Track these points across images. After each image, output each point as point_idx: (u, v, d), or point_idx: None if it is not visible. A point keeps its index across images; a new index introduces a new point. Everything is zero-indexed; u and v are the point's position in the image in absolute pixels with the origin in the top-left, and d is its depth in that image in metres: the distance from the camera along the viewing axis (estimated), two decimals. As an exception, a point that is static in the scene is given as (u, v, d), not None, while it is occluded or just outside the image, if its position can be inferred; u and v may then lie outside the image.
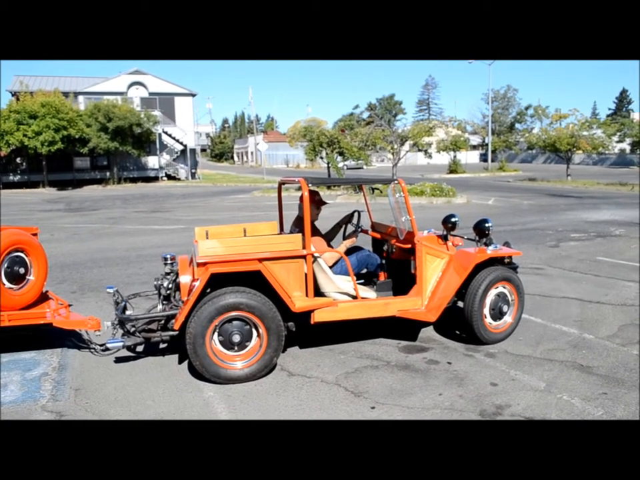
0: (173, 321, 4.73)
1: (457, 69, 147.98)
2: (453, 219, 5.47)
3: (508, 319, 5.41)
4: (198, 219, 16.57)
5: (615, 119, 59.51)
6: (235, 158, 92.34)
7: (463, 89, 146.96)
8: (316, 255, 4.93)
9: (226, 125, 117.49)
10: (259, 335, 4.63)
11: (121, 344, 4.74)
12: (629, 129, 36.77)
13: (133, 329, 4.82)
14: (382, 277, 5.58)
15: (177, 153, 42.08)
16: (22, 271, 5.27)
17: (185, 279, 5.07)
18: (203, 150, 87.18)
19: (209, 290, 4.60)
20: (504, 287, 5.34)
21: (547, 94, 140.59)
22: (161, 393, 4.34)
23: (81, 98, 38.83)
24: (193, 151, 44.08)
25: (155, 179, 40.34)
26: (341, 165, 28.03)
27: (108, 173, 38.17)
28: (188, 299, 4.52)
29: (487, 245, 5.45)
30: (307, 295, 4.81)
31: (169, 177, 41.37)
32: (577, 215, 15.79)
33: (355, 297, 5.10)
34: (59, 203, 23.72)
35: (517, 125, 63.79)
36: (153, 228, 14.61)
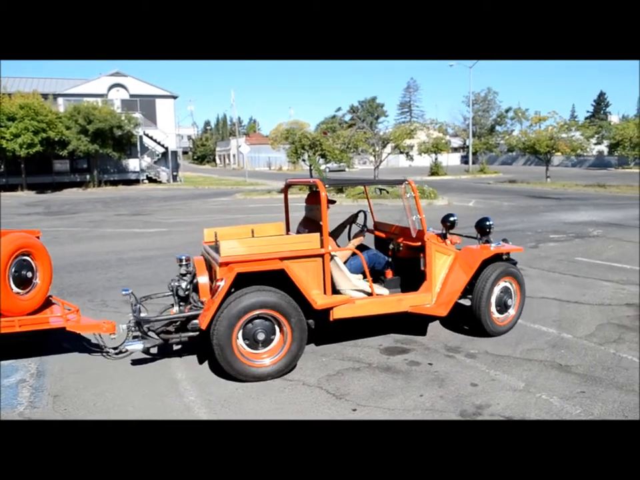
0: (195, 321, 4.79)
1: (437, 72, 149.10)
2: (452, 218, 5.73)
3: (512, 311, 5.71)
4: (179, 221, 16.48)
5: (593, 121, 60.36)
6: (217, 160, 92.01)
7: (444, 92, 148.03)
8: (332, 253, 5.06)
9: (208, 128, 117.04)
10: (281, 332, 4.72)
11: (141, 346, 4.80)
12: (606, 131, 37.42)
13: (149, 331, 4.88)
14: (388, 274, 5.69)
15: (158, 155, 41.78)
16: (29, 274, 5.14)
17: (203, 280, 5.14)
18: (185, 152, 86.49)
19: (233, 290, 4.62)
20: (508, 282, 5.66)
21: (527, 96, 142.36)
22: (141, 399, 4.30)
23: (60, 100, 38.35)
24: (175, 153, 43.81)
25: (136, 181, 39.99)
26: (323, 167, 28.08)
27: (88, 176, 37.72)
28: (212, 299, 4.55)
29: (487, 242, 5.74)
30: (324, 293, 4.94)
31: (150, 180, 41.06)
32: (556, 216, 15.99)
33: (369, 294, 5.26)
34: (38, 207, 23.41)
35: (498, 128, 64.48)
36: (134, 231, 14.49)
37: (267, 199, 25.80)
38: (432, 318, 5.81)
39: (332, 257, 5.07)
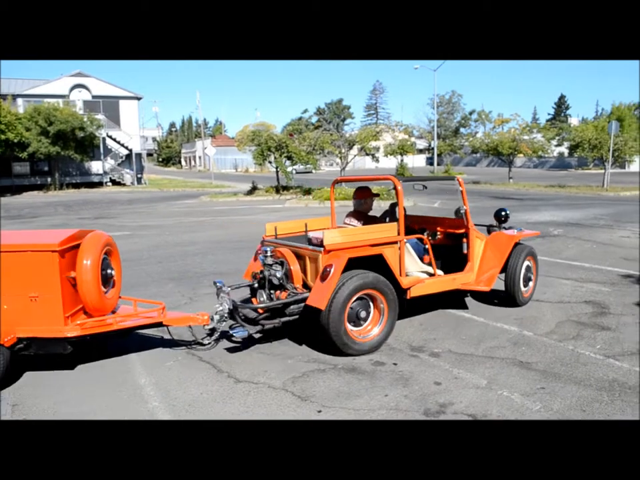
0: (294, 306, 5.23)
1: (403, 74, 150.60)
2: (504, 212, 6.93)
3: (531, 284, 6.84)
4: (144, 225, 16.24)
5: (554, 123, 61.83)
6: (183, 162, 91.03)
7: (409, 94, 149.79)
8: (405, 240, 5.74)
9: (173, 129, 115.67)
10: (377, 308, 5.34)
11: (246, 333, 5.15)
12: (566, 133, 38.22)
13: (243, 319, 5.30)
14: (426, 259, 6.10)
15: (122, 157, 41.12)
16: (112, 273, 5.18)
17: (295, 267, 5.50)
18: (150, 154, 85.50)
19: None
20: (529, 261, 6.72)
21: (490, 99, 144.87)
22: (104, 406, 4.22)
23: (19, 101, 37.35)
24: (139, 155, 43.19)
25: (99, 184, 39.24)
26: (289, 169, 28.06)
27: (49, 179, 36.83)
28: (324, 283, 5.00)
29: (505, 228, 6.88)
30: (400, 275, 5.56)
31: (114, 183, 40.35)
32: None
33: (431, 275, 5.98)
34: (-3, 210, 22.76)
35: (462, 130, 65.56)
36: (97, 235, 14.19)
37: (233, 201, 25.66)
38: (478, 294, 6.87)
39: (405, 243, 5.77)
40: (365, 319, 5.27)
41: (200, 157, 78.29)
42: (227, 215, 18.80)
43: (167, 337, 5.60)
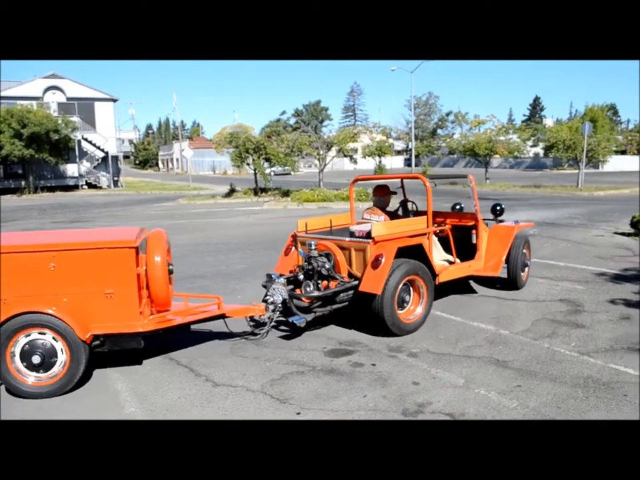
0: (344, 294, 5.72)
1: (380, 76, 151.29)
2: (499, 207, 7.73)
3: (527, 269, 7.68)
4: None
5: (529, 124, 62.62)
6: (160, 165, 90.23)
7: (386, 96, 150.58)
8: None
9: (150, 131, 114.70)
10: (416, 292, 5.93)
11: (304, 320, 5.49)
12: (541, 134, 38.77)
13: (295, 307, 5.65)
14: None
15: (97, 160, 40.65)
16: (172, 269, 5.32)
17: (341, 258, 5.96)
18: (126, 157, 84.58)
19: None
20: (525, 249, 7.52)
21: (467, 100, 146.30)
22: (80, 412, 4.16)
23: (-9, 103, 36.78)
24: (115, 158, 42.74)
25: (75, 187, 38.75)
26: (268, 171, 27.99)
27: (23, 182, 36.20)
28: (376, 270, 5.48)
29: (501, 221, 7.67)
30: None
31: (90, 186, 39.86)
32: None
33: (451, 263, 6.70)
34: (-31, 215, 22.31)
35: (439, 131, 66.08)
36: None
37: (212, 203, 25.51)
38: (482, 279, 7.57)
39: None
40: (407, 302, 5.86)
41: (177, 160, 77.69)
42: (205, 218, 18.68)
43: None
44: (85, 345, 4.50)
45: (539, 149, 48.80)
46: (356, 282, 5.74)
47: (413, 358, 5.09)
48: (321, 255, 5.93)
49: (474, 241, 7.06)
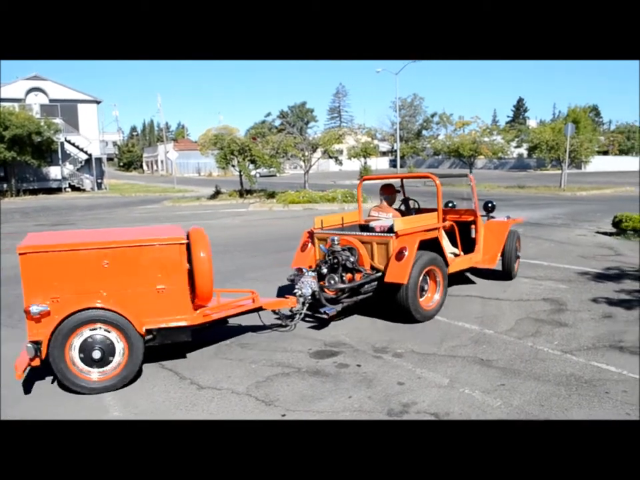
0: (368, 286, 6.15)
1: (366, 77, 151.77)
2: (491, 204, 8.21)
3: (518, 261, 8.31)
4: (104, 231, 15.88)
5: (513, 125, 63.22)
6: (145, 167, 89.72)
7: (372, 98, 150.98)
8: None
9: (134, 133, 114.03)
10: (434, 281, 6.40)
11: (334, 310, 5.90)
12: (525, 135, 39.17)
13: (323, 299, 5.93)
14: None
15: (81, 162, 40.29)
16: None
17: (364, 252, 6.35)
18: (110, 159, 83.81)
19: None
20: (517, 243, 8.11)
21: (451, 101, 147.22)
22: (61, 415, 4.11)
23: (-28, 105, 36.27)
24: (99, 160, 42.37)
25: (58, 190, 38.34)
26: (253, 172, 27.93)
27: (5, 185, 35.72)
28: (401, 262, 5.90)
29: (493, 217, 8.17)
30: None
31: (73, 188, 39.47)
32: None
33: (456, 255, 7.13)
34: (-51, 218, 21.98)
35: (424, 132, 66.35)
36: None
37: (197, 205, 25.39)
38: (478, 270, 8.13)
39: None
40: (426, 291, 6.32)
41: (162, 161, 77.28)
42: (190, 220, 18.57)
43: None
44: (142, 339, 4.66)
45: (523, 150, 49.27)
46: (379, 274, 6.17)
47: (398, 358, 5.11)
48: (343, 250, 6.30)
49: (473, 235, 7.57)
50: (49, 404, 4.34)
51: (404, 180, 8.90)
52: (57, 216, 21.63)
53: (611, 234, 12.24)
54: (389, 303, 6.16)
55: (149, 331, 4.75)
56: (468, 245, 7.45)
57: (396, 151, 53.05)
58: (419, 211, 8.16)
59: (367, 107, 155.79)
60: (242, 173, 26.69)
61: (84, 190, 39.64)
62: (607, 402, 4.08)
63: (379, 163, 62.86)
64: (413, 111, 73.92)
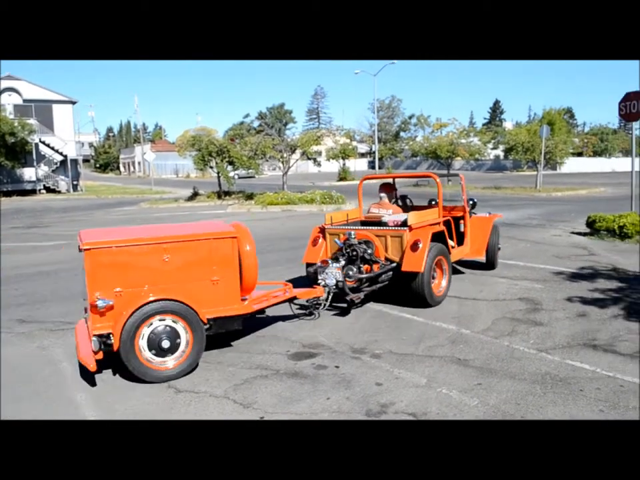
0: (384, 275, 6.74)
1: (344, 79, 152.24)
2: (472, 201, 8.69)
3: (499, 252, 9.08)
4: (80, 233, 15.64)
5: (490, 127, 63.82)
6: (122, 168, 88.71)
7: (350, 99, 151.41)
8: None
9: (111, 134, 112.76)
10: (441, 270, 7.06)
11: (359, 296, 6.46)
12: (501, 136, 39.65)
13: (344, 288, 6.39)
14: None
15: (56, 163, 39.73)
16: None
17: (379, 244, 6.91)
18: (86, 160, 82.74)
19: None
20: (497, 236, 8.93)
21: (429, 103, 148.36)
22: (39, 417, 4.04)
23: (-57, 105, 35.53)
24: (75, 161, 41.81)
25: (32, 192, 37.74)
26: (231, 174, 27.80)
27: (-22, 187, 35.18)
28: (416, 253, 6.50)
29: (474, 213, 8.73)
30: None
31: (48, 190, 38.88)
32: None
33: (452, 247, 7.63)
34: None
35: (402, 134, 66.62)
36: (31, 245, 13.63)
37: (174, 207, 25.18)
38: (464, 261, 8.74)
39: None
40: (435, 278, 6.90)
41: (139, 163, 76.51)
42: (168, 222, 18.42)
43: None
44: (204, 328, 4.95)
45: (499, 152, 49.84)
46: (394, 264, 6.76)
47: (376, 359, 5.13)
48: (360, 243, 6.78)
49: (462, 229, 8.18)
50: (21, 412, 4.26)
51: (401, 179, 9.54)
52: (32, 218, 21.29)
53: (585, 234, 12.45)
54: (404, 291, 6.76)
55: (207, 321, 5.02)
56: (458, 238, 8.07)
57: (374, 152, 53.25)
58: (413, 207, 8.60)
59: (346, 108, 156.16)
60: (220, 175, 26.55)
61: (59, 192, 39.09)
62: (581, 399, 4.15)
63: (358, 165, 62.99)
64: (391, 113, 74.22)
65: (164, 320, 4.76)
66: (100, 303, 4.53)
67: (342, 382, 4.62)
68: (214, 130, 28.49)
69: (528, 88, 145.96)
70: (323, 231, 7.39)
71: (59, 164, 39.81)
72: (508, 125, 73.23)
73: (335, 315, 6.58)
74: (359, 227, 7.21)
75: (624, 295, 7.11)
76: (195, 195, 28.11)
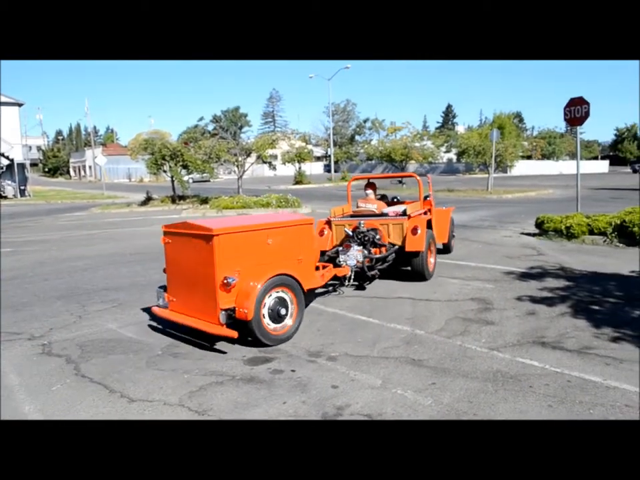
0: (390, 257, 8.14)
1: (299, 82, 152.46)
2: (427, 197, 9.68)
3: (454, 239, 11.27)
4: (28, 240, 15.18)
5: (442, 131, 65.09)
6: (72, 173, 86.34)
7: (306, 103, 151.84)
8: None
9: (60, 137, 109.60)
10: (430, 251, 8.58)
11: (376, 272, 8.03)
12: (454, 140, 40.49)
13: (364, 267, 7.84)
14: None
15: (2, 168, 38.32)
16: None
17: (384, 231, 8.28)
18: (34, 164, 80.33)
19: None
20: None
21: (383, 107, 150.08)
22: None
23: None
24: (22, 165, 40.46)
25: (-23, 197, 36.31)
26: (186, 178, 27.43)
27: None
28: (417, 236, 8.03)
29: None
30: None
31: (-6, 195, 37.49)
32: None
33: None
34: None
35: (357, 137, 67.25)
36: (-26, 252, 13.08)
37: (127, 212, 24.68)
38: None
39: None
40: (429, 257, 8.47)
41: (90, 167, 74.65)
42: (120, 227, 18.04)
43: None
44: (304, 297, 5.99)
45: (452, 155, 50.92)
46: (396, 247, 8.18)
47: (332, 362, 5.14)
48: (369, 230, 8.09)
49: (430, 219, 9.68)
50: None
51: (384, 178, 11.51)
52: (-24, 225, 20.44)
53: (534, 234, 12.84)
54: (405, 268, 8.41)
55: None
56: (428, 227, 9.10)
57: (330, 156, 53.51)
58: (391, 203, 9.92)
59: (301, 112, 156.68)
60: (174, 179, 26.18)
61: (5, 197, 37.73)
62: (531, 395, 4.27)
63: (314, 168, 63.19)
64: (346, 116, 74.93)
65: (278, 292, 5.67)
66: (230, 280, 5.27)
67: (298, 386, 4.61)
68: (167, 133, 28.05)
69: (479, 90, 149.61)
70: (329, 223, 8.68)
71: (5, 168, 38.43)
72: (460, 128, 74.85)
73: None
74: (367, 217, 8.39)
75: (571, 293, 7.36)
76: (148, 200, 27.60)
